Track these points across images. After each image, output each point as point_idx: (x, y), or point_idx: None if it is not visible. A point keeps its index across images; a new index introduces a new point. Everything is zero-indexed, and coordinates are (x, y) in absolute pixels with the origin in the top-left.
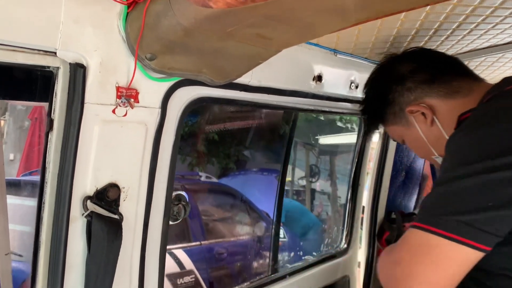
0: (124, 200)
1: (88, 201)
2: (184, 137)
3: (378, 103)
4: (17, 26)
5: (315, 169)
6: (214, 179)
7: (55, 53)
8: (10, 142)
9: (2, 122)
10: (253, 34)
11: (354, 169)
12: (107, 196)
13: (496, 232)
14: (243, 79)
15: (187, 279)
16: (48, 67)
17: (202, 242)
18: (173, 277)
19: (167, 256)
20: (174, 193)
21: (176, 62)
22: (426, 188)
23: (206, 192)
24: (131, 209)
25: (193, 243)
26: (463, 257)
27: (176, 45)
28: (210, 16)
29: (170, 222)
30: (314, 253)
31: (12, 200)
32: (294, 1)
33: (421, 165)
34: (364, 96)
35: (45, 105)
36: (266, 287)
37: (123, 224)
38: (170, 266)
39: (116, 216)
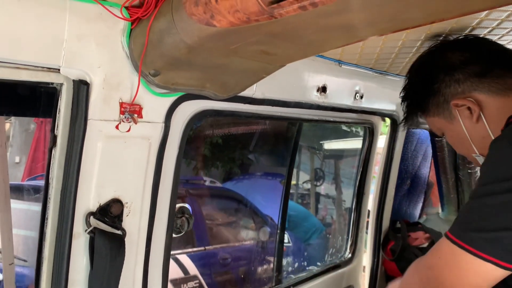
0: (127, 215)
1: (91, 217)
2: (189, 140)
3: (422, 91)
4: (21, 44)
5: (320, 173)
6: (219, 184)
7: (59, 70)
8: (16, 145)
9: (8, 124)
10: (257, 51)
11: (359, 177)
12: (110, 212)
13: None
14: (246, 92)
15: (191, 284)
16: (52, 83)
17: (206, 247)
18: (176, 282)
19: (171, 262)
20: (177, 206)
21: (180, 78)
22: (432, 196)
23: (211, 196)
24: (134, 224)
25: (197, 248)
26: (487, 272)
27: (179, 61)
28: (213, 34)
29: (174, 235)
30: (317, 260)
31: (17, 205)
32: (297, 20)
33: (427, 173)
34: (406, 82)
35: (49, 120)
36: None
37: (126, 239)
38: (174, 271)
39: (119, 232)
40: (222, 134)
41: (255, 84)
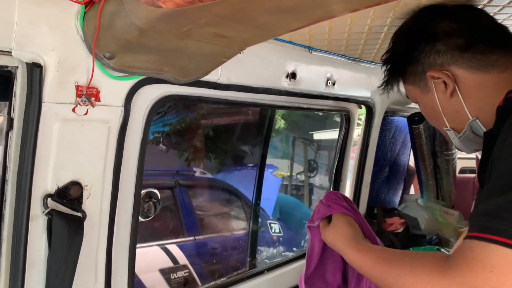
0: (88, 198)
1: (49, 199)
2: (181, 132)
3: (402, 58)
4: None
5: (313, 164)
6: (209, 175)
7: (11, 52)
8: None
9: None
10: (211, 33)
11: (336, 164)
12: (69, 194)
13: None
14: (211, 77)
15: (180, 273)
16: (7, 66)
17: (196, 237)
18: (166, 272)
19: (161, 252)
20: (145, 191)
21: (136, 61)
22: (414, 184)
23: (200, 187)
24: (95, 206)
25: (187, 238)
26: None
27: (133, 44)
28: (162, 16)
29: (141, 219)
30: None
31: None
32: (242, 1)
33: (406, 160)
34: (390, 45)
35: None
36: (246, 281)
37: (87, 221)
38: (164, 261)
39: (78, 214)
40: (213, 125)
41: (220, 69)
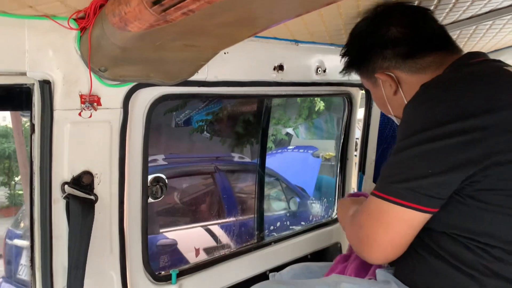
0: (99, 184)
1: (66, 186)
2: (223, 120)
3: (357, 56)
4: None
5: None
6: (247, 159)
7: (26, 74)
8: None
9: None
10: (181, 45)
11: (341, 143)
12: (82, 181)
13: (437, 195)
14: (199, 76)
15: (223, 252)
16: (25, 84)
17: (237, 218)
18: (210, 251)
19: (204, 232)
20: (152, 176)
21: (126, 71)
22: None
23: (239, 171)
24: (105, 190)
25: (228, 219)
26: (411, 219)
27: (119, 59)
28: (133, 37)
29: (151, 200)
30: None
31: None
32: (193, 21)
33: None
34: (348, 40)
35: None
36: (255, 251)
37: (100, 203)
38: (207, 241)
39: (91, 197)
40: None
41: (207, 68)
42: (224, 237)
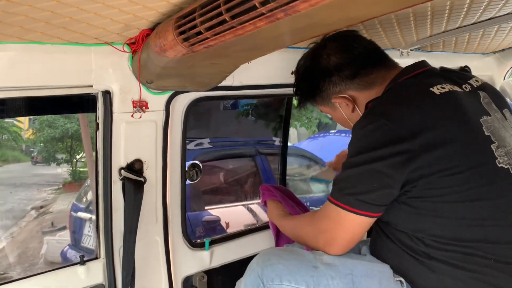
0: (147, 169)
1: (122, 170)
2: (268, 104)
3: (308, 91)
4: (70, 75)
5: None
6: (289, 143)
7: (92, 86)
8: None
9: None
10: (208, 63)
11: None
12: (134, 167)
13: (382, 204)
14: (227, 82)
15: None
16: (92, 93)
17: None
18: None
19: (246, 211)
20: (190, 162)
21: (167, 83)
22: None
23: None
24: (152, 174)
25: None
26: (363, 222)
27: (161, 75)
28: (170, 61)
29: (189, 182)
30: None
31: None
32: (217, 50)
33: None
34: (295, 80)
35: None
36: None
37: (148, 183)
38: (248, 218)
39: (141, 179)
40: None
41: (233, 76)
42: (262, 215)
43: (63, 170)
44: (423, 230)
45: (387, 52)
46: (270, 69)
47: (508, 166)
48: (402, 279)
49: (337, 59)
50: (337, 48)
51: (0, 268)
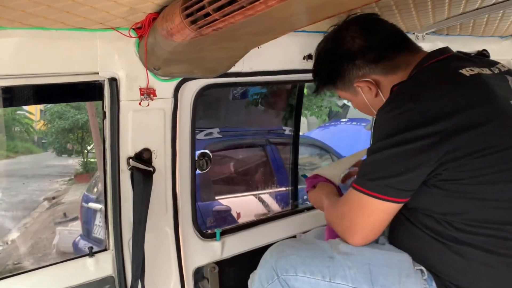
0: (156, 158)
1: (130, 160)
2: (278, 93)
3: (330, 74)
4: (76, 61)
5: None
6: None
7: (98, 73)
8: None
9: None
10: (217, 47)
11: None
12: (143, 156)
13: (408, 189)
14: (236, 69)
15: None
16: (98, 81)
17: (286, 188)
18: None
19: (256, 200)
20: (200, 151)
21: (175, 69)
22: None
23: (290, 144)
24: (161, 163)
25: (279, 189)
26: (387, 208)
27: (168, 60)
28: (178, 45)
29: (198, 171)
30: None
31: None
32: (225, 33)
33: None
34: (315, 62)
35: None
36: (289, 217)
37: (157, 173)
38: (259, 208)
39: (150, 168)
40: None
41: (243, 62)
42: (273, 205)
43: (74, 161)
44: (454, 213)
45: None
46: (281, 54)
47: None
48: (422, 267)
49: (362, 42)
50: (361, 30)
51: (13, 258)
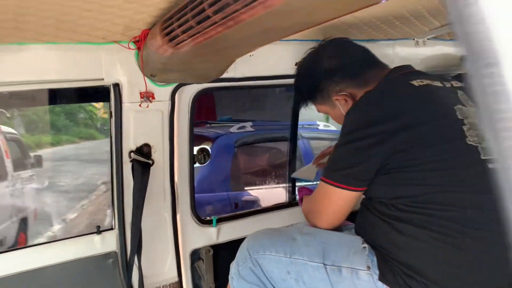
0: (155, 152)
1: (132, 153)
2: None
3: (309, 90)
4: (83, 70)
5: None
6: (333, 128)
7: (103, 79)
8: None
9: None
10: (203, 59)
11: None
12: (143, 150)
13: (363, 178)
14: (229, 74)
15: None
16: (105, 86)
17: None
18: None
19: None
20: (199, 147)
21: (169, 76)
22: None
23: (323, 139)
24: (159, 157)
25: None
26: (347, 196)
27: (162, 70)
28: (166, 58)
29: (197, 164)
30: None
31: None
32: (204, 48)
33: None
34: (295, 78)
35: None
36: (285, 209)
37: (156, 165)
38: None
39: (149, 161)
40: None
41: (235, 68)
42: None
43: None
44: (399, 197)
45: (402, 42)
46: (273, 61)
47: (477, 144)
48: (367, 245)
49: (337, 61)
50: (337, 51)
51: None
